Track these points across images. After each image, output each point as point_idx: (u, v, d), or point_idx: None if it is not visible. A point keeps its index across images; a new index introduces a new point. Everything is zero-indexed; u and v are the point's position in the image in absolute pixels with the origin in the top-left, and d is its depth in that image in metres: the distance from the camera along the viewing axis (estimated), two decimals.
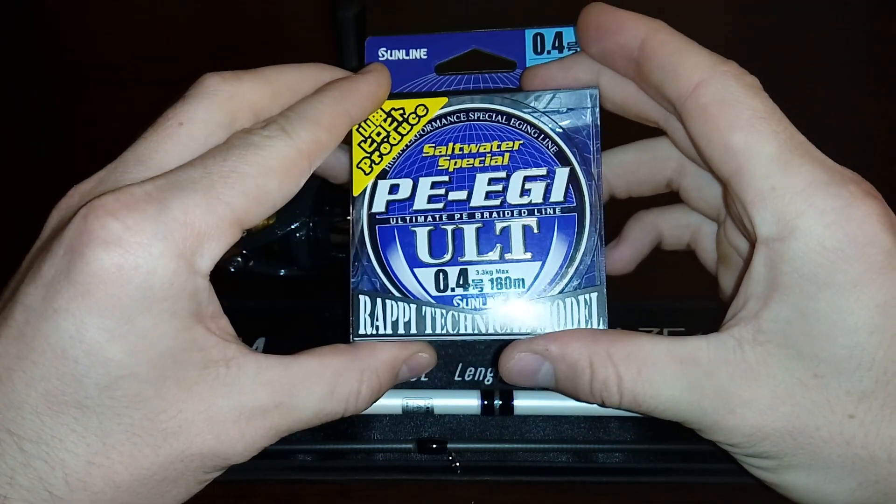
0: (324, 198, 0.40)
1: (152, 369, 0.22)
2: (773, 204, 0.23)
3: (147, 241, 0.22)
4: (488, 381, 0.39)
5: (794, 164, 0.23)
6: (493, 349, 0.40)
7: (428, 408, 0.37)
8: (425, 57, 0.30)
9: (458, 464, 0.37)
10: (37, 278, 0.22)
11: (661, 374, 0.24)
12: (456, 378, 0.39)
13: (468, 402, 0.37)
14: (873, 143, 0.49)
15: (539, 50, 0.30)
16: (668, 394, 0.24)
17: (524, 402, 0.37)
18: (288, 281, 0.41)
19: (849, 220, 0.22)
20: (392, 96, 0.29)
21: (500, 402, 0.37)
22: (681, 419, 0.25)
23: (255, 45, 0.58)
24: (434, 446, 0.37)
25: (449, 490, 0.37)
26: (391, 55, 0.31)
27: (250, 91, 0.26)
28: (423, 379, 0.39)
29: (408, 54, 0.30)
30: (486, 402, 0.37)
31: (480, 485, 0.37)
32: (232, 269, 0.40)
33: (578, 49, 0.29)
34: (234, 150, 0.24)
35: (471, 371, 0.40)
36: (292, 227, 0.39)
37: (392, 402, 0.37)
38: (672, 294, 0.42)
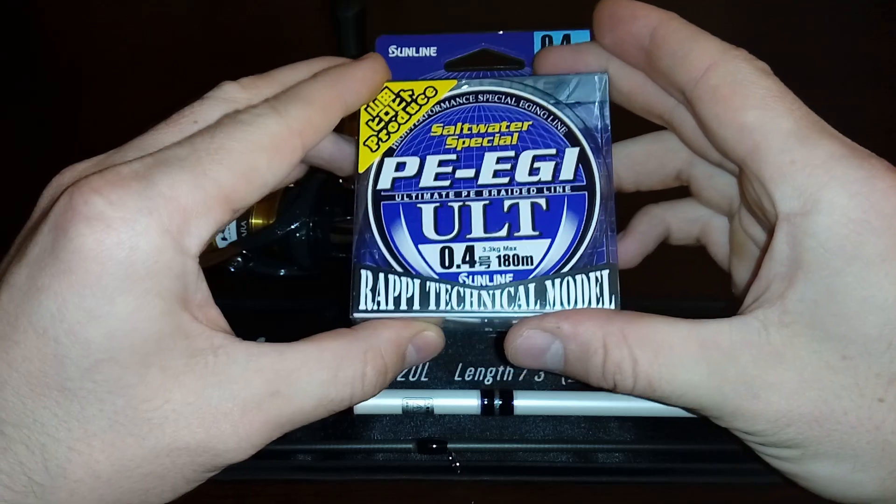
0: (324, 198, 0.40)
1: (134, 354, 0.21)
2: (793, 178, 0.22)
3: (130, 217, 0.21)
4: (488, 381, 0.39)
5: (813, 139, 0.22)
6: (494, 345, 0.40)
7: (428, 408, 0.37)
8: (435, 55, 0.31)
9: (458, 464, 0.37)
10: (23, 258, 0.22)
11: (679, 357, 0.23)
12: (456, 378, 0.39)
13: (468, 402, 0.37)
14: (873, 143, 0.49)
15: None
16: (686, 378, 0.23)
17: (524, 402, 0.37)
18: (288, 281, 0.41)
19: (873, 191, 0.22)
20: (400, 80, 0.29)
21: (500, 402, 0.37)
22: (698, 406, 0.24)
23: (255, 46, 0.58)
24: (434, 446, 0.37)
25: (449, 490, 0.37)
26: (401, 52, 0.31)
27: (267, 96, 0.26)
28: (423, 379, 0.39)
29: (417, 52, 0.31)
30: (486, 402, 0.37)
31: (480, 485, 0.37)
32: (232, 269, 0.40)
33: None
34: (222, 127, 0.24)
35: (471, 371, 0.40)
36: (292, 227, 0.39)
37: (392, 402, 0.37)
38: (676, 293, 0.42)
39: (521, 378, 0.39)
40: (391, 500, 0.37)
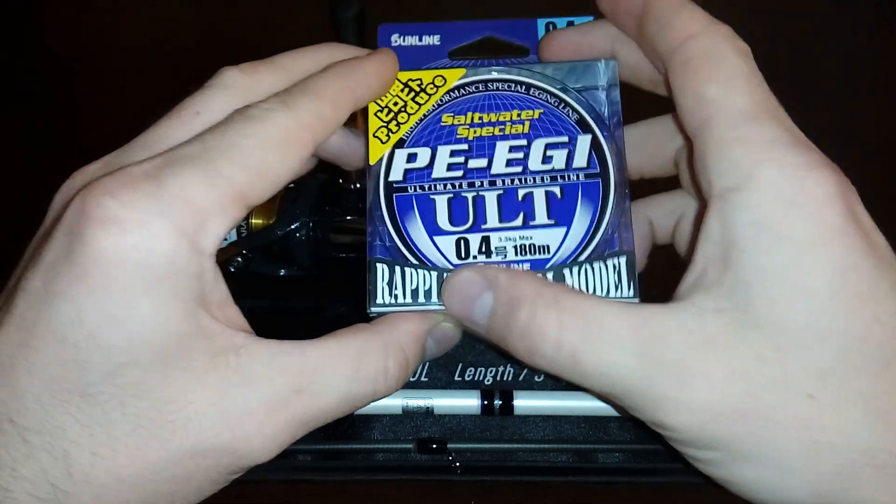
0: (324, 198, 0.40)
1: (156, 356, 0.21)
2: (732, 153, 0.22)
3: (145, 219, 0.21)
4: (488, 381, 0.39)
5: (762, 121, 0.22)
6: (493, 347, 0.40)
7: (428, 408, 0.37)
8: (438, 43, 0.30)
9: (458, 464, 0.37)
10: (38, 263, 0.21)
11: (609, 333, 0.22)
12: (456, 378, 0.39)
13: (468, 402, 0.37)
14: (873, 143, 0.49)
15: None
16: (613, 356, 0.22)
17: (524, 402, 0.37)
18: (288, 281, 0.41)
19: (808, 176, 0.21)
20: (408, 69, 0.29)
21: (500, 402, 0.37)
22: (621, 390, 0.22)
23: (255, 45, 0.58)
24: (434, 446, 0.37)
25: (449, 490, 0.37)
26: (404, 41, 0.30)
27: (268, 82, 0.26)
28: (423, 379, 0.39)
29: (420, 40, 0.30)
30: (486, 402, 0.37)
31: (480, 485, 0.37)
32: (232, 269, 0.40)
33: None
34: (232, 124, 0.23)
35: (471, 371, 0.40)
36: (292, 227, 0.39)
37: (392, 402, 0.37)
38: (671, 294, 0.42)
39: (521, 378, 0.39)
40: (391, 500, 0.37)
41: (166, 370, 0.21)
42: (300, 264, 0.40)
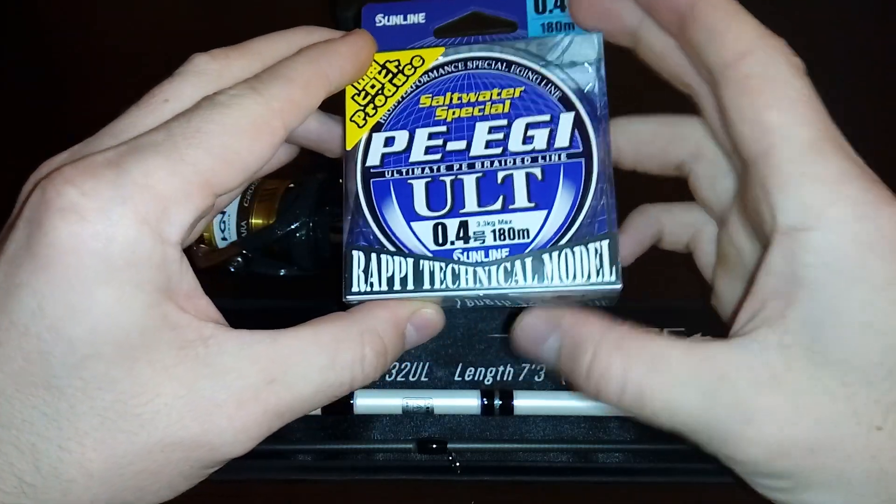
0: (324, 198, 0.40)
1: (119, 349, 0.21)
2: (800, 190, 0.21)
3: (105, 207, 0.20)
4: (488, 381, 0.39)
5: (828, 153, 0.22)
6: (496, 344, 0.40)
7: (428, 408, 0.37)
8: (423, 21, 0.29)
9: (458, 464, 0.37)
10: (1, 256, 0.21)
11: (674, 373, 0.22)
12: (456, 378, 0.39)
13: (468, 402, 0.37)
14: (873, 143, 0.49)
15: (541, 9, 0.29)
16: (678, 395, 0.22)
17: (524, 402, 0.37)
18: (288, 281, 0.41)
19: (880, 215, 0.21)
20: (386, 52, 0.28)
21: (500, 402, 0.37)
22: (689, 429, 0.23)
23: None
24: (434, 446, 0.37)
25: (449, 490, 0.37)
26: (388, 21, 0.29)
27: (239, 67, 0.25)
28: (423, 379, 0.39)
29: (405, 19, 0.29)
30: (486, 402, 0.37)
31: (480, 485, 0.37)
32: (232, 269, 0.40)
33: None
34: (199, 111, 0.23)
35: (471, 371, 0.40)
36: (292, 227, 0.39)
37: (392, 402, 0.37)
38: (672, 294, 0.42)
39: (521, 378, 0.39)
40: (391, 500, 0.37)
41: (131, 363, 0.21)
42: (300, 264, 0.40)
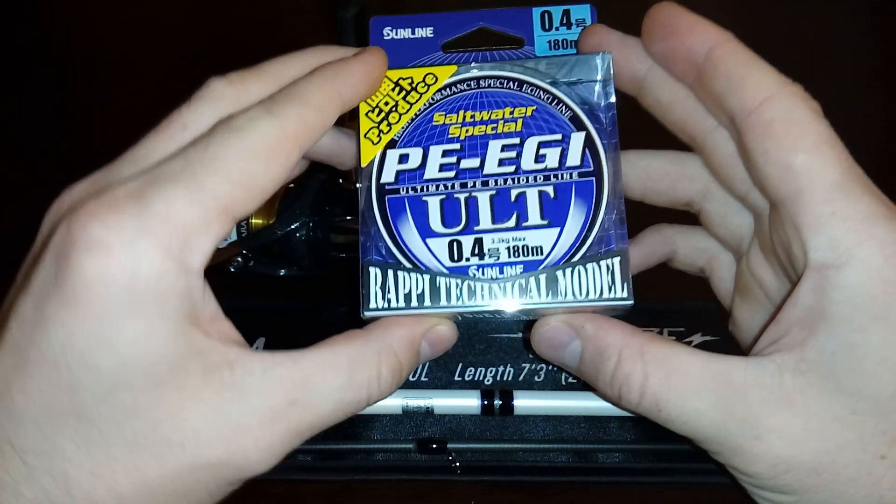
0: (324, 198, 0.40)
1: (148, 377, 0.21)
2: (831, 230, 0.22)
3: (129, 240, 0.21)
4: (488, 381, 0.39)
5: (856, 193, 0.22)
6: (496, 344, 0.40)
7: (428, 408, 0.37)
8: (431, 35, 0.30)
9: (458, 464, 0.37)
10: (28, 288, 0.22)
11: (691, 383, 0.24)
12: (456, 378, 0.39)
13: (468, 402, 0.37)
14: (873, 143, 0.49)
15: (547, 27, 0.29)
16: (693, 405, 0.23)
17: (524, 402, 0.37)
18: (288, 281, 0.41)
19: None
20: (399, 68, 0.28)
21: (500, 402, 0.37)
22: (701, 437, 0.24)
23: (254, 45, 0.58)
24: (434, 446, 0.37)
25: (449, 490, 0.37)
26: (396, 34, 0.30)
27: (256, 90, 0.25)
28: (423, 379, 0.39)
29: (413, 33, 0.30)
30: (486, 402, 0.37)
31: (480, 485, 0.37)
32: (232, 269, 0.40)
33: (586, 26, 0.29)
34: (215, 136, 0.23)
35: (471, 371, 0.40)
36: (292, 227, 0.39)
37: (392, 402, 0.37)
38: (672, 294, 0.42)
39: (521, 378, 0.39)
40: (391, 500, 0.37)
41: (159, 390, 0.22)
42: (300, 264, 0.40)
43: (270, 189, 0.24)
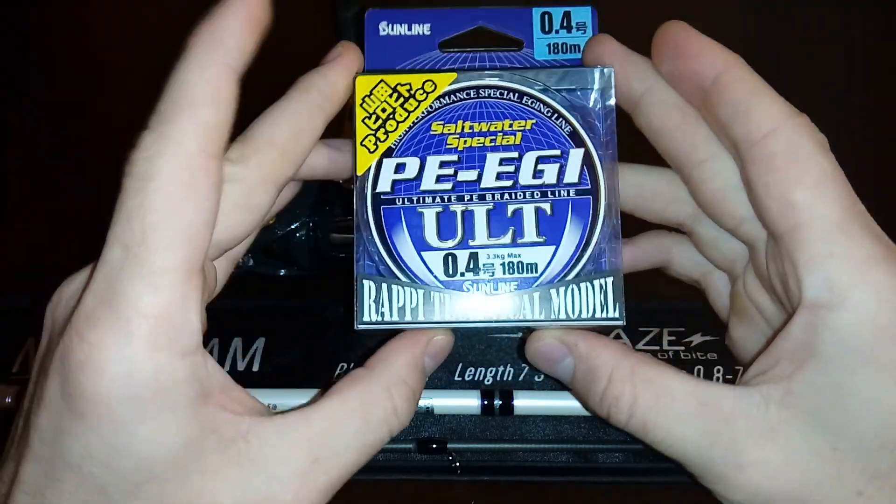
0: (324, 198, 0.40)
1: (169, 468, 0.22)
2: (827, 270, 0.22)
3: (114, 352, 0.21)
4: (488, 381, 0.39)
5: (855, 234, 0.22)
6: (496, 344, 0.40)
7: (428, 408, 0.37)
8: (428, 33, 0.29)
9: (458, 464, 0.37)
10: (42, 402, 0.22)
11: (679, 409, 0.24)
12: (456, 378, 0.39)
13: (468, 402, 0.37)
14: (873, 144, 0.49)
15: (547, 29, 0.29)
16: (679, 431, 0.24)
17: (524, 402, 0.37)
18: (288, 281, 0.41)
19: None
20: (397, 72, 0.28)
21: (500, 402, 0.37)
22: (686, 461, 0.24)
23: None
24: (434, 446, 0.37)
25: (449, 490, 0.37)
26: (392, 30, 0.29)
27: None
28: None
29: (410, 29, 0.29)
30: (486, 402, 0.37)
31: (480, 485, 0.37)
32: (232, 269, 0.40)
33: (586, 30, 0.28)
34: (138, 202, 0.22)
35: (471, 371, 0.40)
36: (292, 227, 0.39)
37: None
38: (672, 294, 0.42)
39: (521, 378, 0.39)
40: (391, 500, 0.37)
41: (182, 476, 0.22)
42: (300, 264, 0.40)
43: (252, 230, 0.24)
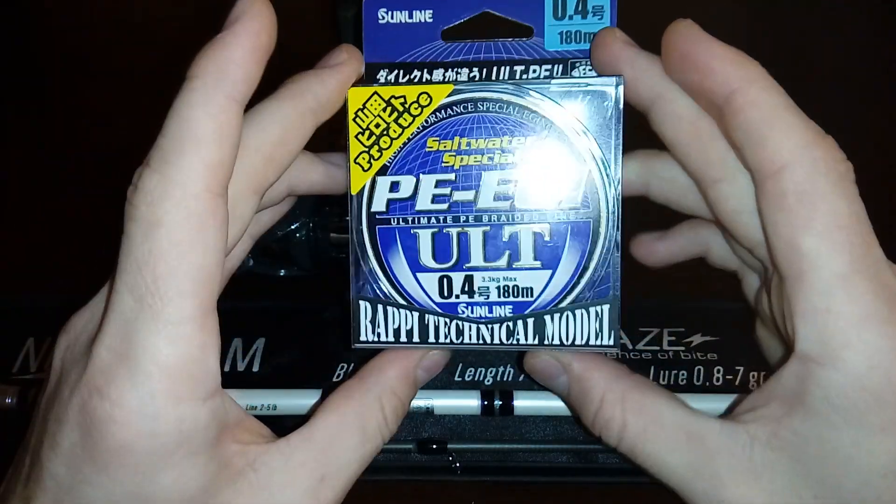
0: (324, 198, 0.40)
1: None
2: (822, 325, 0.22)
3: (138, 409, 0.21)
4: (488, 381, 0.39)
5: (858, 288, 0.21)
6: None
7: (428, 408, 0.37)
8: (431, 20, 0.27)
9: (458, 464, 0.37)
10: (56, 448, 0.22)
11: (665, 438, 0.24)
12: (456, 378, 0.39)
13: (468, 403, 0.37)
14: (873, 144, 0.49)
15: (560, 14, 0.27)
16: (665, 460, 0.24)
17: (524, 403, 0.37)
18: (288, 281, 0.41)
19: (891, 368, 0.21)
20: (394, 66, 0.27)
21: (500, 403, 0.37)
22: (670, 485, 0.25)
23: None
24: (434, 446, 0.37)
25: (449, 490, 0.37)
26: (392, 18, 0.28)
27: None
28: None
29: (411, 16, 0.27)
30: (486, 403, 0.37)
31: (480, 485, 0.37)
32: None
33: (603, 16, 0.27)
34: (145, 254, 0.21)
35: (471, 371, 0.40)
36: (292, 227, 0.39)
37: None
38: (672, 294, 0.42)
39: (521, 378, 0.39)
40: (391, 500, 0.37)
41: None
42: (300, 264, 0.40)
43: (248, 248, 0.25)
